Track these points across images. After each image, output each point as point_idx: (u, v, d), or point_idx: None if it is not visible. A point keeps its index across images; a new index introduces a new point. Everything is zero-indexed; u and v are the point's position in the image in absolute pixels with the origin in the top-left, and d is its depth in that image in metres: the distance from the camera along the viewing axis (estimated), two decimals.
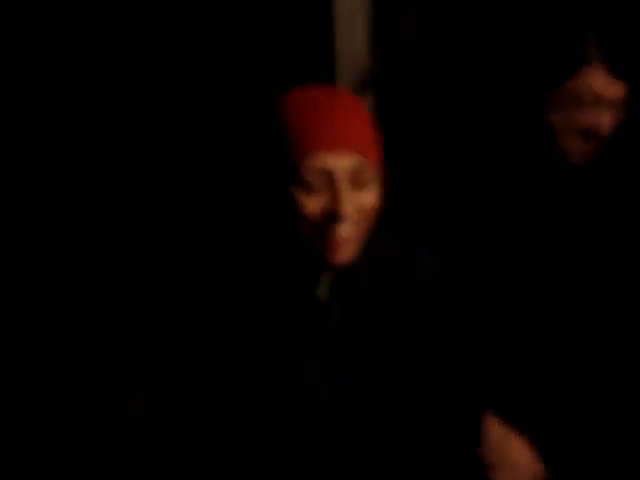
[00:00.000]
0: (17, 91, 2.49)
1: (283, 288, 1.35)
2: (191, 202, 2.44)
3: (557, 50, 1.66)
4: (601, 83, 1.62)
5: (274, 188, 1.29)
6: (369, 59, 2.48)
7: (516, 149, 1.74)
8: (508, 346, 1.69)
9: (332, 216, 1.26)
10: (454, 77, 2.42)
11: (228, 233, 1.43)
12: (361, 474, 1.38)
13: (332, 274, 1.36)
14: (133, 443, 1.47)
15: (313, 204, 1.27)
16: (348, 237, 1.27)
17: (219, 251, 1.39)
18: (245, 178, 1.39)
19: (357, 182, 1.28)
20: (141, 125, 2.53)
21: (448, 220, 1.71)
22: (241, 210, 1.44)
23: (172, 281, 1.39)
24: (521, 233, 1.72)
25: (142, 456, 1.42)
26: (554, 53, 1.66)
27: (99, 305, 2.42)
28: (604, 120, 1.63)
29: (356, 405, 1.37)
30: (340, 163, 1.26)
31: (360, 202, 1.28)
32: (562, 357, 1.70)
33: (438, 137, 1.92)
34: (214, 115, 2.52)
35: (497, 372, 1.66)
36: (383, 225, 1.36)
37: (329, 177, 1.26)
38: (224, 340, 1.34)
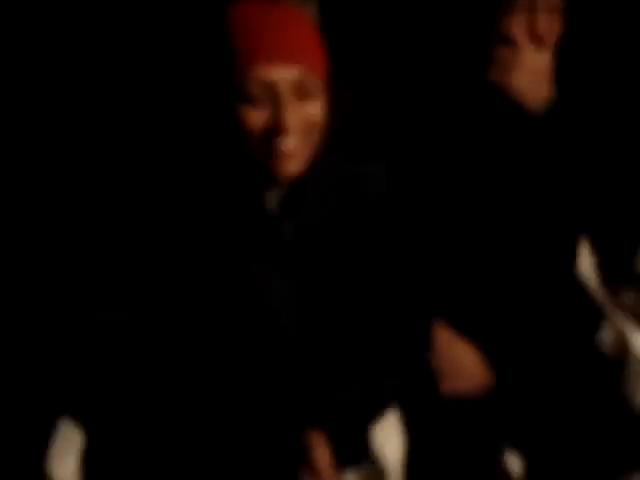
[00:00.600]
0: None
1: (234, 203, 1.36)
2: (141, 119, 2.39)
3: None
4: None
5: (218, 101, 1.30)
6: None
7: (463, 88, 1.73)
8: (460, 259, 1.71)
9: (275, 128, 1.27)
10: None
11: (176, 149, 1.44)
12: (314, 381, 1.42)
13: (282, 188, 1.37)
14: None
15: (257, 117, 1.27)
16: (293, 149, 1.29)
17: (169, 169, 1.40)
18: (190, 91, 1.39)
19: (301, 93, 1.28)
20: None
21: (404, 136, 1.71)
22: (188, 125, 1.45)
23: (125, 197, 1.41)
24: (487, 172, 1.71)
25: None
26: None
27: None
28: (539, 21, 1.62)
29: (306, 314, 1.41)
30: (283, 75, 1.26)
31: (305, 114, 1.29)
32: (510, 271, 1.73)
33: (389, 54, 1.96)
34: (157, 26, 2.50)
35: (448, 284, 1.69)
36: (337, 141, 1.38)
37: (272, 89, 1.26)
38: (178, 257, 1.36)
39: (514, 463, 1.58)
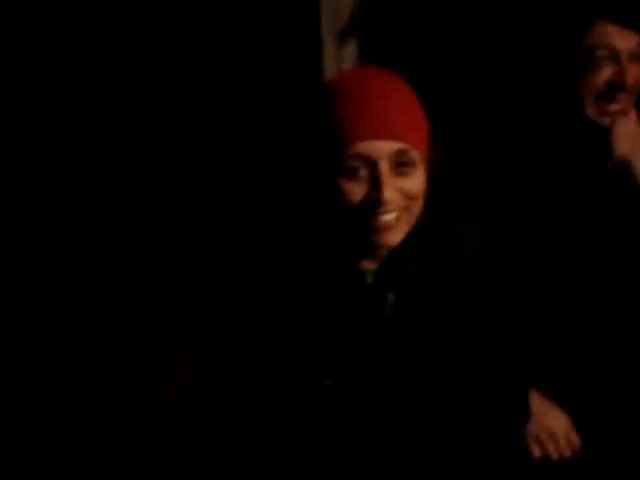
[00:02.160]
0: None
1: (333, 273, 1.35)
2: (245, 192, 2.44)
3: (568, 12, 1.68)
4: (613, 36, 1.63)
5: (319, 176, 1.29)
6: (355, 3, 2.42)
7: (551, 127, 1.75)
8: (542, 320, 1.72)
9: (374, 203, 1.26)
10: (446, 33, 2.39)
11: (279, 222, 1.42)
12: (408, 457, 1.39)
13: (380, 258, 1.36)
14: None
15: (356, 191, 1.26)
16: (392, 222, 1.28)
17: (272, 239, 1.38)
18: (291, 167, 1.39)
19: (402, 167, 1.27)
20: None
21: (489, 201, 1.72)
22: (289, 198, 1.44)
23: (230, 266, 1.37)
24: (558, 214, 1.73)
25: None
26: (566, 15, 1.69)
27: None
28: (626, 72, 1.64)
29: (404, 386, 1.38)
30: (382, 150, 1.25)
31: (403, 188, 1.27)
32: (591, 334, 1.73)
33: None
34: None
35: (536, 347, 1.68)
36: (428, 206, 1.35)
37: (371, 164, 1.26)
38: (276, 326, 1.34)
39: None
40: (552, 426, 1.63)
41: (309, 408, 1.36)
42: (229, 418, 1.35)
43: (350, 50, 2.41)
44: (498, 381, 1.45)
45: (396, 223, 1.28)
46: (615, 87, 1.65)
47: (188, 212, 2.51)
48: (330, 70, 2.41)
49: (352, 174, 1.26)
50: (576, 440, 1.64)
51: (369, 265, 1.36)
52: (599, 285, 1.74)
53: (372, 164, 1.26)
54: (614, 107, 1.67)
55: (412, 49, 2.40)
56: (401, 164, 1.27)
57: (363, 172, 1.26)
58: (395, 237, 1.30)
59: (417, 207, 1.31)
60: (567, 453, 1.64)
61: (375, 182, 1.26)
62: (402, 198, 1.28)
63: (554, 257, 1.73)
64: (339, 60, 2.41)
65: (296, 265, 1.35)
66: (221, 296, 1.37)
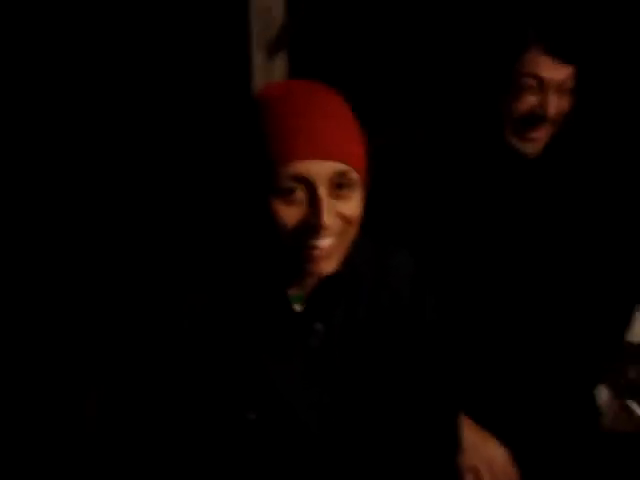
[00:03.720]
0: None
1: (261, 298, 1.26)
2: (172, 204, 2.38)
3: (502, 38, 1.67)
4: (543, 66, 1.62)
5: (252, 195, 1.19)
6: (284, 16, 2.39)
7: (471, 145, 1.75)
8: (477, 344, 1.71)
9: (312, 228, 1.16)
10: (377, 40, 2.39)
11: (207, 237, 1.33)
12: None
13: (309, 286, 1.28)
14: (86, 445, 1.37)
15: (292, 214, 1.17)
16: (328, 249, 1.18)
17: (198, 254, 1.29)
18: (224, 182, 1.27)
19: (339, 190, 1.18)
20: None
21: (415, 220, 1.70)
22: (220, 214, 1.34)
23: (147, 283, 1.28)
24: (484, 229, 1.72)
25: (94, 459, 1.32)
26: (500, 40, 1.68)
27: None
28: (549, 103, 1.63)
29: (333, 417, 1.31)
30: (321, 171, 1.15)
31: (342, 211, 1.18)
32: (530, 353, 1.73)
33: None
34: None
35: (469, 374, 1.66)
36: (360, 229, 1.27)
37: (309, 185, 1.16)
38: (195, 348, 1.24)
39: None
40: (490, 456, 1.58)
41: (228, 443, 1.26)
42: (142, 446, 1.25)
43: (279, 62, 2.37)
44: (427, 411, 1.39)
45: (332, 251, 1.19)
46: (536, 117, 1.65)
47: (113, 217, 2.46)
48: (259, 82, 2.36)
49: (287, 195, 1.16)
50: (513, 472, 1.60)
51: (297, 291, 1.28)
52: (526, 307, 1.73)
53: (310, 186, 1.16)
54: (534, 134, 1.66)
55: (341, 62, 2.39)
56: (340, 186, 1.17)
57: (299, 194, 1.16)
58: (329, 266, 1.20)
59: (353, 233, 1.22)
60: None
61: (313, 206, 1.16)
62: (340, 223, 1.18)
63: (477, 278, 1.72)
64: (268, 72, 2.36)
65: (222, 285, 1.26)
66: (133, 313, 1.26)
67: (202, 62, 2.42)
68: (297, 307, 1.29)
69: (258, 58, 2.38)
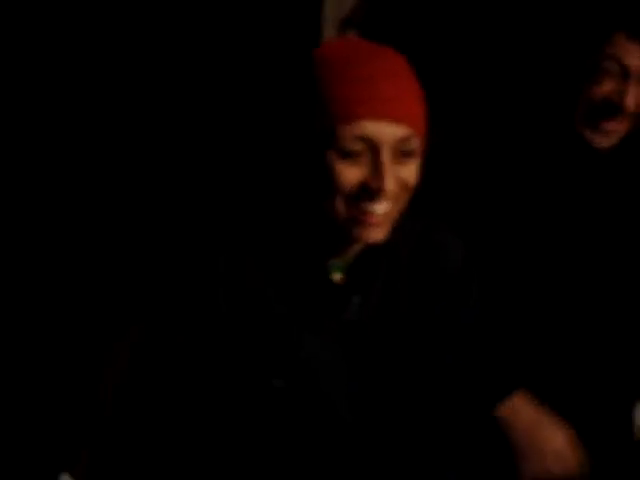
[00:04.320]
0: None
1: (300, 265, 1.23)
2: (217, 161, 2.37)
3: (590, 19, 1.59)
4: (629, 53, 1.54)
5: (309, 152, 1.15)
6: None
7: (539, 134, 1.67)
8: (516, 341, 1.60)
9: (371, 190, 1.13)
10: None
11: (252, 198, 1.29)
12: (368, 470, 1.28)
13: (351, 256, 1.24)
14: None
15: (352, 175, 1.13)
16: (384, 214, 1.15)
17: (239, 215, 1.26)
18: (277, 140, 1.24)
19: (401, 154, 1.15)
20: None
21: (475, 212, 1.64)
22: (271, 172, 1.30)
23: (189, 247, 1.24)
24: (547, 224, 1.65)
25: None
26: (586, 21, 1.60)
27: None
28: (629, 92, 1.54)
29: (360, 394, 1.27)
30: (386, 134, 1.12)
31: (401, 177, 1.15)
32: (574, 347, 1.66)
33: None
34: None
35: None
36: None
37: (372, 148, 1.13)
38: (228, 309, 1.21)
39: None
40: (545, 441, 1.40)
41: (255, 409, 1.22)
42: (164, 412, 1.21)
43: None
44: (460, 400, 1.35)
45: (385, 219, 1.16)
46: (613, 106, 1.55)
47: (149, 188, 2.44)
48: None
49: (349, 156, 1.13)
50: (579, 456, 1.42)
51: (338, 262, 1.24)
52: (588, 301, 1.67)
53: (374, 148, 1.13)
54: (608, 126, 1.57)
55: (412, 44, 2.38)
56: (402, 152, 1.15)
57: (362, 155, 1.13)
58: (379, 234, 1.17)
59: (406, 201, 1.19)
60: (567, 472, 1.39)
61: (375, 169, 1.13)
62: (397, 188, 1.15)
63: (533, 275, 1.65)
64: None
65: (261, 248, 1.22)
66: (171, 279, 1.22)
67: (275, 39, 2.43)
68: (337, 276, 1.25)
69: (330, 36, 2.39)
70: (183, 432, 1.22)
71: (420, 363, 1.31)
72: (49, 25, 2.42)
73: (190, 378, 1.21)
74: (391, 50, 1.20)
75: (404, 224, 1.23)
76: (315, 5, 2.38)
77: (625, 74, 1.55)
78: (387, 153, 1.13)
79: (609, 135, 1.59)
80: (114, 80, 2.46)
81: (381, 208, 1.15)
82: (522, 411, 1.41)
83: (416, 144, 1.16)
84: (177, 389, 1.21)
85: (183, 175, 2.43)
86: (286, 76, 1.23)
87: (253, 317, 1.21)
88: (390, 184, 1.13)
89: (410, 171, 1.17)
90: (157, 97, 2.48)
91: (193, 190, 2.36)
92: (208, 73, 2.48)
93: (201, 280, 1.20)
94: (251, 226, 1.24)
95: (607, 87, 1.56)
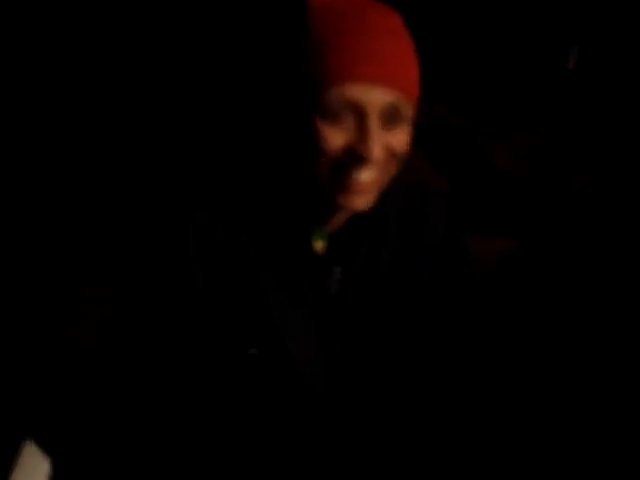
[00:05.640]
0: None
1: (281, 228, 1.18)
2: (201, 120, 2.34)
3: None
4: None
5: (294, 114, 1.09)
6: None
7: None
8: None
9: (357, 157, 1.07)
10: None
11: (233, 158, 1.23)
12: (350, 444, 1.26)
13: (335, 225, 1.20)
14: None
15: (337, 139, 1.07)
16: (370, 182, 1.09)
17: (219, 175, 1.20)
18: (261, 100, 1.18)
19: (390, 120, 1.08)
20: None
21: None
22: (258, 132, 1.24)
23: (169, 207, 1.18)
24: None
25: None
26: None
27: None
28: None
29: (335, 372, 1.23)
30: (375, 98, 1.05)
31: (390, 143, 1.09)
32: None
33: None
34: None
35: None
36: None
37: (360, 112, 1.06)
38: (203, 272, 1.16)
39: None
40: None
41: (229, 375, 1.18)
42: (139, 380, 1.17)
43: None
44: (444, 372, 1.30)
45: (371, 187, 1.09)
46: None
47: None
48: None
49: (335, 120, 1.06)
50: None
51: (321, 230, 1.20)
52: None
53: (360, 113, 1.06)
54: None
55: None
56: (391, 116, 1.07)
57: (348, 119, 1.06)
58: (365, 202, 1.11)
59: (394, 169, 1.12)
60: None
61: (362, 135, 1.06)
62: (385, 154, 1.08)
63: None
64: None
65: (239, 212, 1.17)
66: (144, 235, 1.17)
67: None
68: (319, 245, 1.20)
69: None
70: (157, 401, 1.18)
71: (399, 336, 1.26)
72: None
73: (163, 343, 1.17)
74: (384, 5, 1.11)
75: (391, 192, 1.17)
76: None
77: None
78: (375, 119, 1.06)
79: None
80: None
81: (367, 175, 1.08)
82: None
83: (407, 110, 1.09)
84: (150, 355, 1.17)
85: (168, 134, 2.44)
86: (278, 27, 1.18)
87: (228, 279, 1.16)
88: (377, 151, 1.06)
89: (400, 138, 1.09)
90: (146, 50, 2.48)
91: (177, 147, 2.36)
92: (197, 29, 2.46)
93: (172, 233, 1.15)
94: (233, 184, 1.19)
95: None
